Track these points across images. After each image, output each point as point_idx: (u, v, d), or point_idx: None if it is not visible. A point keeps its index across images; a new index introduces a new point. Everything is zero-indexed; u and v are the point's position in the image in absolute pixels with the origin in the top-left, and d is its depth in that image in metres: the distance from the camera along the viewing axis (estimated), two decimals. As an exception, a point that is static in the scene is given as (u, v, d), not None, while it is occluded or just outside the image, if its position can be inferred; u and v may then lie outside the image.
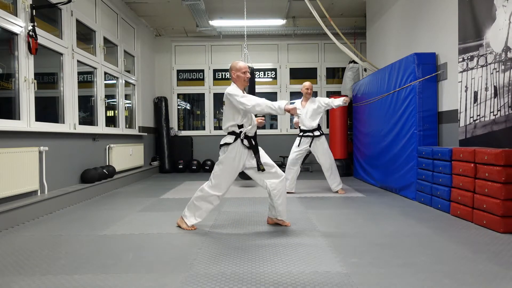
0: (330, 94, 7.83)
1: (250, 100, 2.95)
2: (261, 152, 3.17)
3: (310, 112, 4.92)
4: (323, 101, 4.93)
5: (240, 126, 3.08)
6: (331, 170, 5.00)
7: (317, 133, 4.93)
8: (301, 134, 4.99)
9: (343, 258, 2.43)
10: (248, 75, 3.15)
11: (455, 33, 4.08)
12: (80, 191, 4.56)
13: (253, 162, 3.11)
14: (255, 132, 3.21)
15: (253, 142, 3.13)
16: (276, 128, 8.77)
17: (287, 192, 4.81)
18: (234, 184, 6.12)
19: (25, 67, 3.87)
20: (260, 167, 3.08)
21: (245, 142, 3.08)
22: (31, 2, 3.94)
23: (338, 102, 4.81)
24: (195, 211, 3.19)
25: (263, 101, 2.95)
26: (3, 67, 3.86)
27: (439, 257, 2.43)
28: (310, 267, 2.27)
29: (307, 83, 5.01)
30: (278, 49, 8.73)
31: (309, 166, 8.14)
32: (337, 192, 5.05)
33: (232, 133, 3.10)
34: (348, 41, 6.93)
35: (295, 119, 4.82)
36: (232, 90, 3.06)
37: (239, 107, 3.00)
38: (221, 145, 3.12)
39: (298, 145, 4.97)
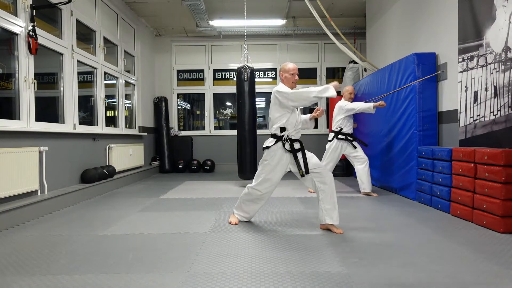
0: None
1: (299, 93, 2.97)
2: (309, 154, 3.09)
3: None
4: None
5: (283, 129, 3.05)
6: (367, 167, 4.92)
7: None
8: (342, 137, 4.86)
9: (343, 258, 2.43)
10: (297, 77, 3.14)
11: (455, 33, 4.08)
12: (80, 191, 4.56)
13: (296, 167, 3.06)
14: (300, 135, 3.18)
15: (295, 146, 3.06)
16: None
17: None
18: (233, 184, 6.12)
19: (25, 67, 3.87)
20: (300, 172, 3.01)
21: (287, 145, 3.04)
22: (31, 2, 3.94)
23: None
24: (241, 209, 3.37)
25: (313, 88, 2.95)
26: (3, 67, 3.86)
27: (439, 257, 2.43)
28: (310, 267, 2.27)
29: (349, 88, 5.03)
30: (278, 49, 8.73)
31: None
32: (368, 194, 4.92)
33: (274, 136, 3.09)
34: (348, 41, 6.92)
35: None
36: (281, 87, 3.06)
37: (289, 104, 3.00)
38: (264, 148, 3.14)
39: (341, 150, 4.87)
